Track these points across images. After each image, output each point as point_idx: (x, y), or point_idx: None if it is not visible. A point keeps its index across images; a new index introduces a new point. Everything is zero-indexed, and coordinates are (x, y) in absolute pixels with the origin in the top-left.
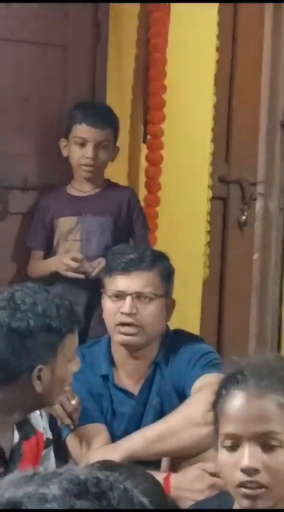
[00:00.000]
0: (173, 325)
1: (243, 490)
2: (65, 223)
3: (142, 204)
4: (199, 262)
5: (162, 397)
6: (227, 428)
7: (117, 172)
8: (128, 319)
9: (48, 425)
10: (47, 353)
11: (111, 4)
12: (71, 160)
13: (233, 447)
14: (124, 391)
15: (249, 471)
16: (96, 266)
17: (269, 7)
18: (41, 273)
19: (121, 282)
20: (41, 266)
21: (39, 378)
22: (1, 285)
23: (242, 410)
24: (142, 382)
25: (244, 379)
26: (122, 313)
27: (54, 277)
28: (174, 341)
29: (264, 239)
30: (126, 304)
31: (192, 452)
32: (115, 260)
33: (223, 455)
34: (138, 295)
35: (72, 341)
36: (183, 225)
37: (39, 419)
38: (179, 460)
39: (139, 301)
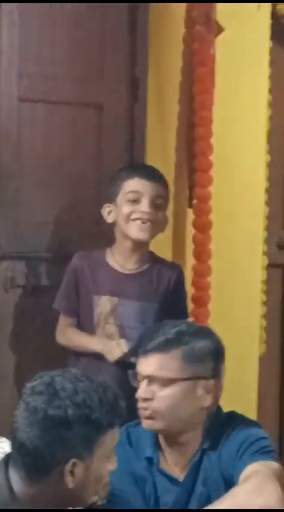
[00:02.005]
0: (226, 406)
1: None
2: (105, 303)
3: (191, 274)
4: (255, 336)
5: (208, 486)
6: None
7: (161, 240)
8: (142, 405)
9: None
10: (83, 447)
11: (150, 59)
12: (119, 223)
13: None
14: (169, 477)
15: None
16: None
17: None
18: (76, 346)
19: (140, 365)
20: (80, 339)
21: (71, 473)
22: (30, 358)
23: None
24: (188, 469)
25: None
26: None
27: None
28: (225, 425)
29: None
30: (140, 389)
31: None
32: (140, 342)
33: None
34: (152, 379)
35: (112, 437)
36: (236, 296)
37: None
38: None
39: (155, 386)
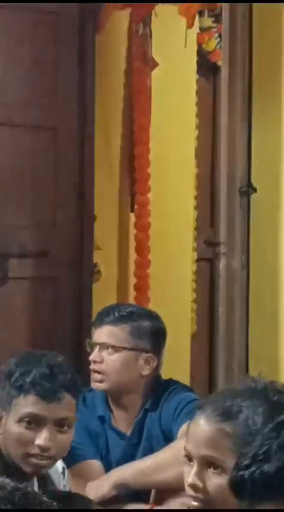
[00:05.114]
0: (166, 375)
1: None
2: None
3: (134, 266)
4: (187, 318)
5: (150, 440)
6: None
7: (108, 239)
8: (93, 366)
9: (68, 483)
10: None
11: (97, 89)
12: None
13: None
14: (118, 433)
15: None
16: None
17: (224, 85)
18: None
19: (95, 334)
20: None
21: None
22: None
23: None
24: (133, 426)
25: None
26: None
27: None
28: (164, 389)
29: (228, 294)
30: (93, 353)
31: (176, 486)
32: (97, 317)
33: None
34: (103, 346)
35: (26, 404)
36: (171, 284)
37: (61, 477)
38: (165, 494)
39: (106, 352)
